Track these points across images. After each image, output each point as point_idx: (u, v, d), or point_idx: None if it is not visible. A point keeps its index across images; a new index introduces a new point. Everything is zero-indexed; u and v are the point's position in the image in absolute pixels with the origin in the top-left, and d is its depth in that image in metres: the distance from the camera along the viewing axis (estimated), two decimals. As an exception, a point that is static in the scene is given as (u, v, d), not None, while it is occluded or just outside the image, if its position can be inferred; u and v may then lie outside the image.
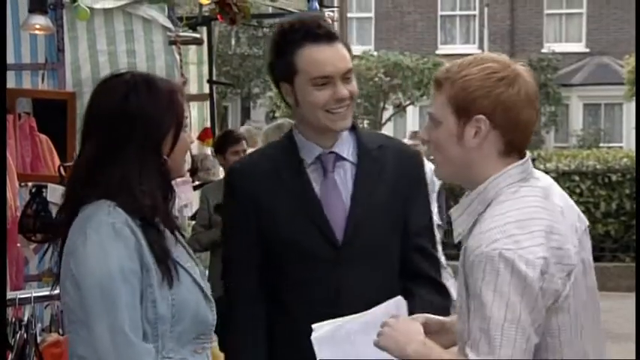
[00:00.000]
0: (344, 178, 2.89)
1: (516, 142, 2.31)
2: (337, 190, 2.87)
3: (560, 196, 2.36)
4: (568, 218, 2.33)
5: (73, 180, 2.42)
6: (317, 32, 2.80)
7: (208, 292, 2.48)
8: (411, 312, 2.56)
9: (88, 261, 2.27)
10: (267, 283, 2.88)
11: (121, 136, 2.35)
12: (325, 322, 2.53)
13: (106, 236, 2.27)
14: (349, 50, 2.89)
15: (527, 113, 2.29)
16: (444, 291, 2.97)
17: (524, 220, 2.21)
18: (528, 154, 2.37)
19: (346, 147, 2.92)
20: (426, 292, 2.88)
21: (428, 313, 2.52)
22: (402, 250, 2.93)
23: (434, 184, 8.93)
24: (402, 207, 2.91)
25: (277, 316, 2.87)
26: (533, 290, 2.17)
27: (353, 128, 2.95)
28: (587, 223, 2.41)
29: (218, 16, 5.86)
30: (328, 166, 2.88)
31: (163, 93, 2.41)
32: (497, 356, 2.14)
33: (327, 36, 2.81)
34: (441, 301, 2.83)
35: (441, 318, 2.49)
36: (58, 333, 3.67)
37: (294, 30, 2.83)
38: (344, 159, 2.90)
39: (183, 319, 2.34)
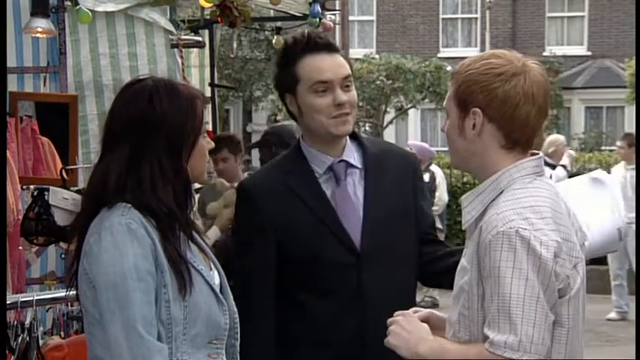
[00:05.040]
0: (353, 185, 2.97)
1: (516, 137, 2.37)
2: (350, 197, 2.95)
3: (565, 203, 2.43)
4: (574, 222, 2.40)
5: (92, 186, 2.43)
6: (317, 42, 2.93)
7: (225, 296, 2.50)
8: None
9: (102, 260, 2.29)
10: (287, 296, 2.94)
11: (142, 142, 2.36)
12: None
13: (121, 236, 2.28)
14: (349, 62, 2.99)
15: (524, 109, 2.34)
16: None
17: (538, 207, 2.28)
18: (541, 153, 2.45)
19: (352, 154, 3.00)
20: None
21: None
22: (417, 245, 3.04)
23: None
24: (410, 207, 3.02)
25: (299, 325, 2.93)
26: (547, 270, 2.23)
27: (354, 135, 3.04)
28: (587, 239, 2.45)
29: (218, 19, 5.87)
30: (341, 175, 2.97)
31: (185, 99, 2.42)
32: (519, 333, 2.19)
33: (326, 46, 2.94)
34: None
35: (442, 315, 2.53)
36: (60, 336, 3.67)
37: (296, 42, 2.96)
38: (353, 166, 2.98)
39: (195, 322, 2.35)
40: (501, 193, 2.34)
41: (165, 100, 2.39)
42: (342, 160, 2.98)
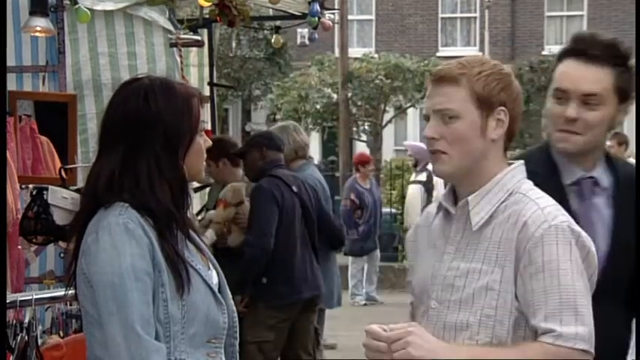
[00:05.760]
0: (599, 208, 2.76)
1: (513, 135, 2.41)
2: (593, 221, 2.72)
3: None
4: None
5: (90, 186, 2.42)
6: (579, 48, 2.74)
7: (224, 295, 2.49)
8: None
9: (99, 260, 2.29)
10: None
11: (138, 141, 2.36)
12: None
13: (118, 236, 2.28)
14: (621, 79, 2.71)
15: (521, 108, 2.43)
16: None
17: (559, 206, 2.35)
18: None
19: (605, 174, 2.79)
20: None
21: None
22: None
23: None
24: None
25: None
26: (593, 265, 2.30)
27: (607, 156, 2.84)
28: None
29: (217, 18, 5.86)
30: (585, 192, 2.76)
31: (181, 97, 2.41)
32: (587, 324, 2.21)
33: (589, 55, 2.71)
34: None
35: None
36: (59, 335, 3.67)
37: (568, 43, 2.83)
38: (601, 187, 2.77)
39: (193, 321, 2.35)
40: (511, 194, 2.34)
41: (160, 98, 2.39)
42: (590, 177, 2.76)
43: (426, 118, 2.41)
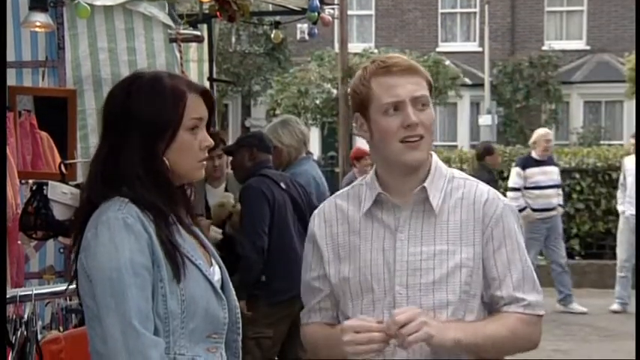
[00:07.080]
0: None
1: None
2: None
3: None
4: None
5: (89, 179, 2.44)
6: None
7: (227, 292, 2.48)
8: None
9: (98, 255, 2.29)
10: None
11: (122, 135, 2.37)
12: None
13: (117, 231, 2.28)
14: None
15: None
16: None
17: None
18: None
19: None
20: None
21: None
22: None
23: None
24: None
25: None
26: None
27: None
28: None
29: (217, 14, 5.85)
30: None
31: (167, 91, 2.40)
32: (540, 293, 2.50)
33: None
34: None
35: None
36: (59, 330, 3.68)
37: None
38: None
39: (193, 315, 2.35)
40: (450, 179, 2.50)
41: (142, 92, 2.38)
42: None
43: (394, 107, 2.46)
